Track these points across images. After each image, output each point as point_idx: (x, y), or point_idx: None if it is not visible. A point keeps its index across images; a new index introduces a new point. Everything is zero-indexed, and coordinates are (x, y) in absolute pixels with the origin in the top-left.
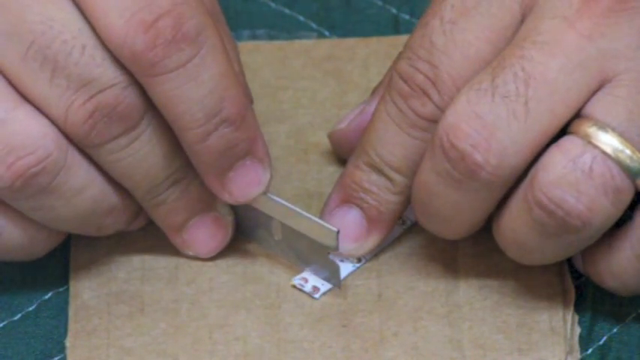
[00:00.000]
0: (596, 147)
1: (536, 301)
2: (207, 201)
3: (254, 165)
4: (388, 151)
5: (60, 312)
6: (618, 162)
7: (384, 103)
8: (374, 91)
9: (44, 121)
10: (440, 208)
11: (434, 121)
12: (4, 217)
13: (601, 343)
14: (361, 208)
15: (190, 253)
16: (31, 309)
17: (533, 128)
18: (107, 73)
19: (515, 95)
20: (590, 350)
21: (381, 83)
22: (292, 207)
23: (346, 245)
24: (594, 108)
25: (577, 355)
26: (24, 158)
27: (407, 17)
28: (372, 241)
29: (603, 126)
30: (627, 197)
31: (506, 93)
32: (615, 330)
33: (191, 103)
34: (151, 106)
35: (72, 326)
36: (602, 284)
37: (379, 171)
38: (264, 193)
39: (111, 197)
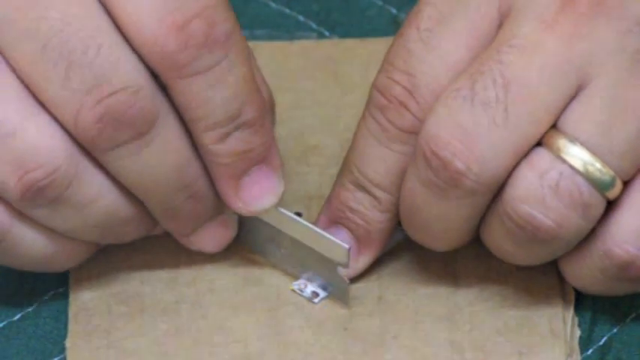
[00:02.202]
0: (564, 162)
1: (536, 303)
2: (217, 208)
3: (269, 173)
4: (371, 168)
5: (60, 312)
6: (587, 176)
7: (364, 119)
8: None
9: (56, 132)
10: (426, 219)
11: (413, 132)
12: (28, 227)
13: (601, 343)
14: (350, 229)
15: (194, 249)
16: (30, 309)
17: (514, 134)
18: (120, 74)
19: (494, 102)
20: (590, 351)
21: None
22: (302, 221)
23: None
24: (567, 120)
25: (577, 357)
26: (33, 171)
27: None
28: (362, 262)
29: (573, 140)
30: (597, 211)
31: (485, 99)
32: (615, 330)
33: (214, 106)
34: (164, 113)
35: (72, 327)
36: (566, 280)
37: (364, 189)
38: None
39: (126, 207)
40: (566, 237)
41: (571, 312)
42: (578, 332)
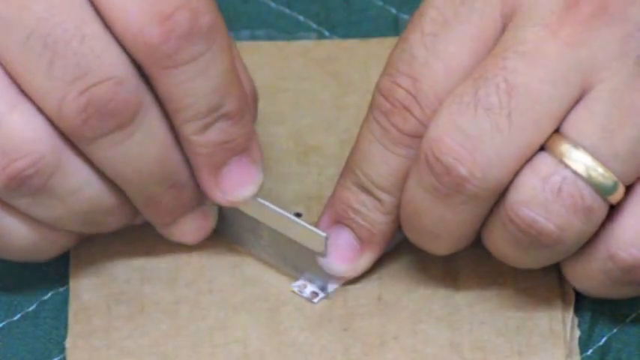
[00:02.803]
0: (567, 167)
1: (536, 303)
2: (198, 199)
3: (249, 164)
4: (374, 170)
5: (59, 312)
6: (590, 180)
7: (367, 122)
8: None
9: (40, 122)
10: (428, 224)
11: (417, 136)
12: (12, 216)
13: (601, 343)
14: (352, 229)
15: (174, 240)
16: (30, 309)
17: (517, 140)
18: (103, 65)
19: (498, 108)
20: (590, 351)
21: None
22: (280, 211)
23: (339, 267)
24: (570, 124)
25: (577, 357)
26: (17, 161)
27: (407, 17)
28: (364, 262)
29: (576, 144)
30: (600, 215)
31: (488, 105)
32: (615, 330)
33: (197, 97)
34: (147, 104)
35: (72, 327)
36: (570, 283)
37: (367, 191)
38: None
39: (109, 197)
40: (569, 241)
41: (571, 312)
42: (577, 333)
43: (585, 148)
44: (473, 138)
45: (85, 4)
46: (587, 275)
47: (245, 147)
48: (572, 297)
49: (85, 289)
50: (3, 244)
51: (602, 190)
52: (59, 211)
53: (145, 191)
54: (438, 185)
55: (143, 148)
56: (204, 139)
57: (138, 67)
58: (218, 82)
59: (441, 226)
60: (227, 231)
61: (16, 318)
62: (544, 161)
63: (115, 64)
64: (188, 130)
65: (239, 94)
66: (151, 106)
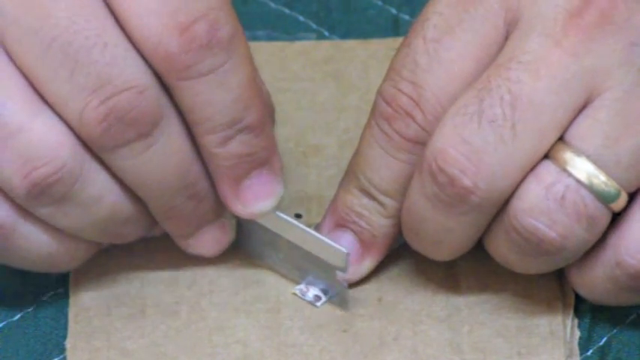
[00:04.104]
0: (570, 175)
1: (535, 304)
2: (218, 211)
3: (269, 176)
4: (376, 175)
5: (59, 313)
6: (592, 188)
7: (369, 127)
8: None
9: (61, 130)
10: (429, 232)
11: (419, 142)
12: (32, 225)
13: (601, 344)
14: (355, 233)
15: (192, 252)
16: (30, 309)
17: (521, 151)
18: (125, 74)
19: (502, 119)
20: (590, 351)
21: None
22: (300, 225)
23: None
24: (573, 132)
25: (577, 358)
26: (40, 169)
27: (407, 18)
28: (366, 265)
29: (579, 153)
30: (602, 223)
31: (493, 117)
32: (615, 331)
33: (217, 108)
34: (167, 114)
35: (72, 328)
36: (576, 291)
37: (370, 195)
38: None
39: (129, 206)
40: (571, 249)
41: (571, 313)
42: (577, 333)
43: (588, 157)
44: (477, 150)
45: (106, 13)
46: (593, 282)
47: (266, 159)
48: (572, 298)
49: (86, 290)
50: (22, 254)
51: (604, 198)
52: (80, 220)
53: (164, 201)
54: (441, 195)
55: (163, 158)
56: (225, 152)
57: (158, 77)
58: (238, 94)
59: (443, 234)
60: (244, 244)
61: (16, 318)
62: (547, 169)
63: (136, 73)
64: (209, 142)
65: (260, 105)
66: (171, 117)
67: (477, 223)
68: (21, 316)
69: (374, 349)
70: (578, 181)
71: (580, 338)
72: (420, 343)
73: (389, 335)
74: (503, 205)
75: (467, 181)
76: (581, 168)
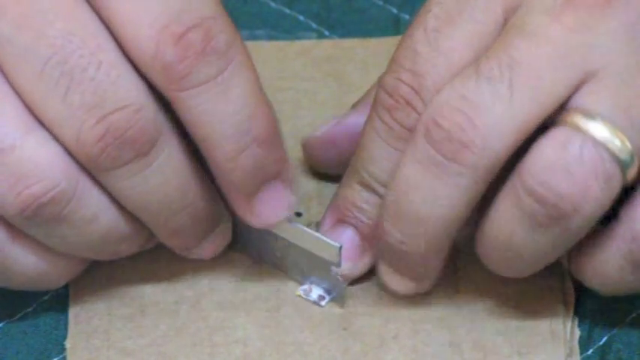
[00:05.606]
0: (586, 133)
1: (536, 303)
2: (218, 220)
3: (282, 188)
4: (378, 167)
5: (59, 313)
6: (608, 148)
7: (371, 119)
8: (353, 106)
9: (55, 149)
10: (418, 202)
11: None
12: (20, 245)
13: (601, 343)
14: (356, 228)
15: (191, 257)
16: (30, 309)
17: (518, 113)
18: (120, 92)
19: (499, 77)
20: (590, 351)
21: (361, 99)
22: (294, 223)
23: (343, 265)
24: (582, 99)
25: (577, 357)
26: (32, 187)
27: (407, 17)
28: (367, 260)
29: (592, 115)
30: (617, 185)
31: (490, 75)
32: (615, 330)
33: (221, 120)
34: (165, 132)
35: (72, 327)
36: (584, 282)
37: (370, 188)
38: None
39: (124, 225)
40: (586, 211)
41: (571, 312)
42: (578, 332)
43: (602, 118)
44: (474, 105)
45: (101, 30)
46: (606, 263)
47: (278, 171)
48: (573, 297)
49: (86, 290)
50: (8, 274)
51: (619, 162)
52: (74, 240)
53: (165, 221)
54: (435, 156)
55: (162, 178)
56: (236, 167)
57: (158, 95)
58: (241, 104)
59: (431, 203)
60: (241, 244)
61: (16, 318)
62: (561, 131)
63: (132, 91)
64: (218, 157)
65: (266, 115)
66: (170, 135)
67: (468, 191)
68: (21, 316)
69: (374, 347)
70: (595, 139)
71: (580, 337)
72: (420, 341)
73: (389, 334)
74: (503, 179)
75: (463, 136)
76: (596, 129)
